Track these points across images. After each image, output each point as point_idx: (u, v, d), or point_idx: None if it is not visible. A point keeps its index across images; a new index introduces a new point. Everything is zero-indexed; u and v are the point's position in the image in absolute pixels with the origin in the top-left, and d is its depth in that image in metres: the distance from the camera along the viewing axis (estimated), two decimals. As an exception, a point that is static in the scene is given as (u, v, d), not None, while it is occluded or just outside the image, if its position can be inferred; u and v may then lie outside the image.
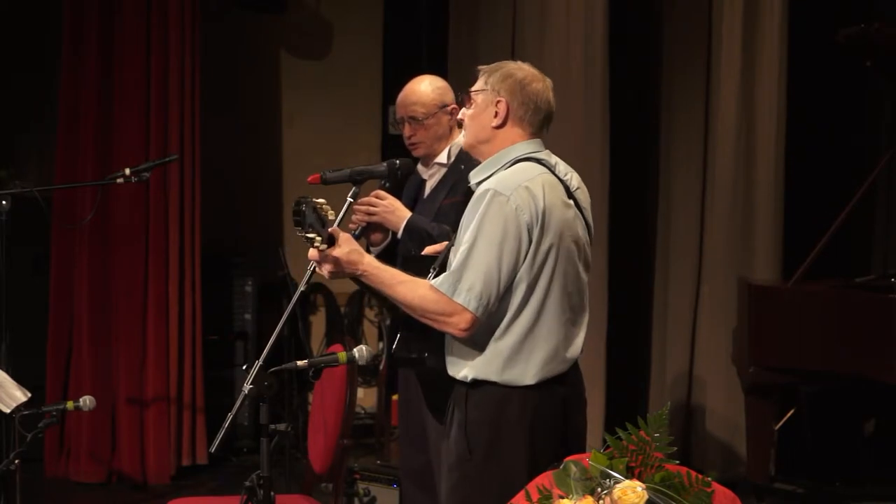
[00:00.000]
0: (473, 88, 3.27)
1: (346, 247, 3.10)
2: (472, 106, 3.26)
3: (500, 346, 3.13)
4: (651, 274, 6.41)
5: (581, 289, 3.23)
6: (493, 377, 3.13)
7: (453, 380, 3.20)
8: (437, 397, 3.40)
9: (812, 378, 5.42)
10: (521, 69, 3.27)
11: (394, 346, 3.30)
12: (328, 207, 3.06)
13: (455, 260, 3.11)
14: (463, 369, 3.16)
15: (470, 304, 3.05)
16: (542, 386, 3.14)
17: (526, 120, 3.24)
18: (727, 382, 6.03)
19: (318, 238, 3.03)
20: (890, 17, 5.80)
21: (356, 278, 3.16)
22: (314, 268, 3.18)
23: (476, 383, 3.15)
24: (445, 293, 3.07)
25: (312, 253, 3.11)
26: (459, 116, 3.36)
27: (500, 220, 3.07)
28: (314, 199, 3.04)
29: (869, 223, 6.37)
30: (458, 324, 3.07)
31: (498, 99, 3.22)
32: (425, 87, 4.08)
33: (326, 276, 3.16)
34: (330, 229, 3.06)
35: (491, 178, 3.18)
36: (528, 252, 3.09)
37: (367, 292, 3.31)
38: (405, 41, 7.10)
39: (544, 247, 3.11)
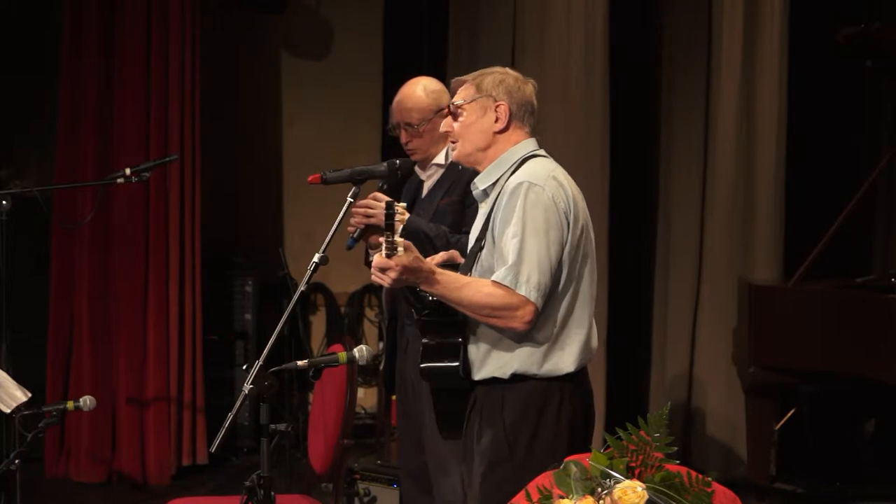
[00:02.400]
0: (462, 99, 3.27)
1: (412, 254, 3.07)
2: (463, 116, 3.26)
3: (539, 337, 3.15)
4: (651, 274, 6.41)
5: (595, 279, 3.28)
6: (534, 369, 3.15)
7: (484, 381, 3.18)
8: (447, 402, 3.40)
9: (812, 378, 5.42)
10: (509, 73, 3.29)
11: (420, 359, 3.25)
12: (401, 217, 3.05)
13: (509, 254, 3.10)
14: (501, 366, 3.16)
15: (531, 295, 3.08)
16: (577, 376, 3.18)
17: (524, 120, 3.27)
18: (727, 382, 6.03)
19: (401, 245, 2.99)
20: (890, 18, 5.80)
21: (421, 282, 3.11)
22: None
23: (515, 378, 3.16)
24: (510, 286, 3.07)
25: (379, 261, 3.04)
26: (444, 129, 3.33)
27: (541, 210, 3.11)
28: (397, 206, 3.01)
29: (869, 223, 6.37)
30: (523, 317, 3.09)
31: (498, 103, 3.23)
32: (420, 93, 4.04)
33: (387, 285, 3.08)
34: (395, 237, 3.02)
35: (518, 173, 3.19)
36: (567, 238, 3.14)
37: (413, 298, 3.23)
38: (405, 41, 7.10)
39: (576, 233, 3.16)
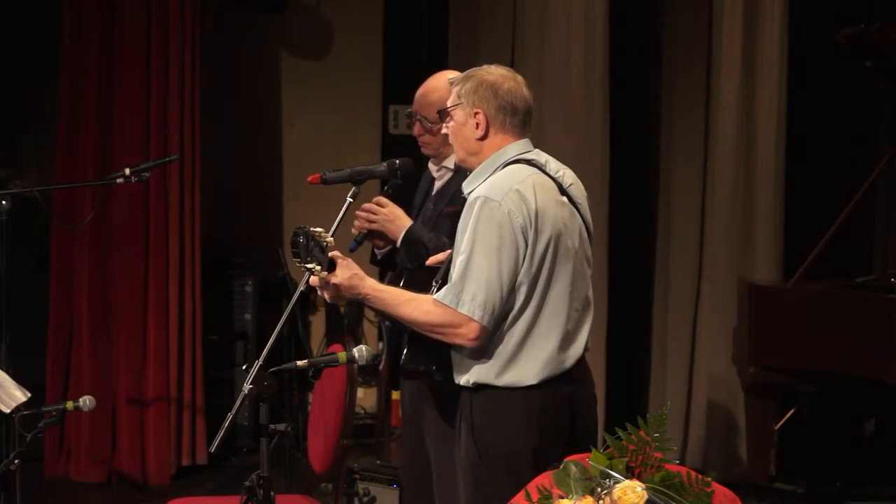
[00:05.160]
0: (448, 104, 3.26)
1: (347, 272, 3.11)
2: (451, 121, 3.25)
3: (500, 350, 3.14)
4: (651, 274, 6.41)
5: (582, 285, 3.22)
6: (492, 381, 3.15)
7: (459, 387, 3.21)
8: (443, 405, 3.40)
9: (812, 378, 5.42)
10: (490, 73, 3.23)
11: (402, 359, 3.30)
12: (326, 234, 3.08)
13: (455, 271, 3.11)
14: (465, 375, 3.18)
15: (475, 314, 3.06)
16: (545, 385, 3.14)
17: (507, 123, 3.21)
18: (727, 382, 6.03)
19: (318, 266, 3.07)
20: (890, 18, 5.81)
21: (361, 300, 3.18)
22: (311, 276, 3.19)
23: (478, 387, 3.17)
24: (449, 305, 3.07)
25: (314, 280, 3.14)
26: (443, 132, 3.33)
27: (493, 227, 3.07)
28: (311, 228, 3.07)
29: (869, 223, 6.37)
30: (466, 334, 3.08)
31: (475, 110, 3.20)
32: (444, 91, 3.76)
33: (328, 301, 3.19)
34: (330, 254, 3.08)
35: (481, 186, 3.17)
36: (525, 255, 3.09)
37: (375, 312, 3.37)
38: (405, 41, 7.10)
39: (540, 248, 3.11)
